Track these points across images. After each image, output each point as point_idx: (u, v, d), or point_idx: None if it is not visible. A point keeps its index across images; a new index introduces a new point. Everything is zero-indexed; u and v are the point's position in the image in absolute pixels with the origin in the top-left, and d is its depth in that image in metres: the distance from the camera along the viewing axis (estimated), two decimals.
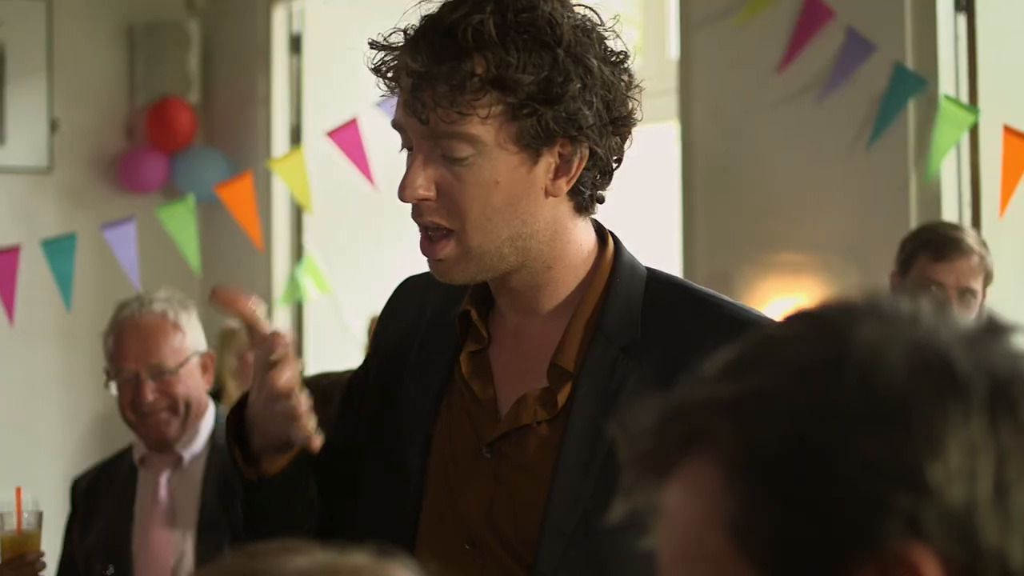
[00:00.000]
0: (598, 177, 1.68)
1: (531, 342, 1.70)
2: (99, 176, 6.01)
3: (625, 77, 1.66)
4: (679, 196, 4.49)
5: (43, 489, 5.59)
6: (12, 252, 4.42)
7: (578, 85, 1.60)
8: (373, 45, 1.64)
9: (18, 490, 2.60)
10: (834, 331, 0.78)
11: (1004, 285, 3.61)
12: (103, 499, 3.15)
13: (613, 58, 1.65)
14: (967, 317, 0.79)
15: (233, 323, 5.29)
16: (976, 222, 3.81)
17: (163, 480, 3.10)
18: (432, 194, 1.62)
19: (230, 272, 5.81)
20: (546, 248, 1.67)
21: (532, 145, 1.61)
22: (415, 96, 1.59)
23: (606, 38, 1.65)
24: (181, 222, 4.70)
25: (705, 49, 4.38)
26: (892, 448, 0.73)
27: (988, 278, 3.45)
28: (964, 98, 3.81)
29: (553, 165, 1.64)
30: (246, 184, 4.87)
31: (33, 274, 4.77)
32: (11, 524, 2.57)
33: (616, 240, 1.75)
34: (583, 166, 1.64)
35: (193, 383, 3.07)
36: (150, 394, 3.01)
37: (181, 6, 6.21)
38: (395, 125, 1.66)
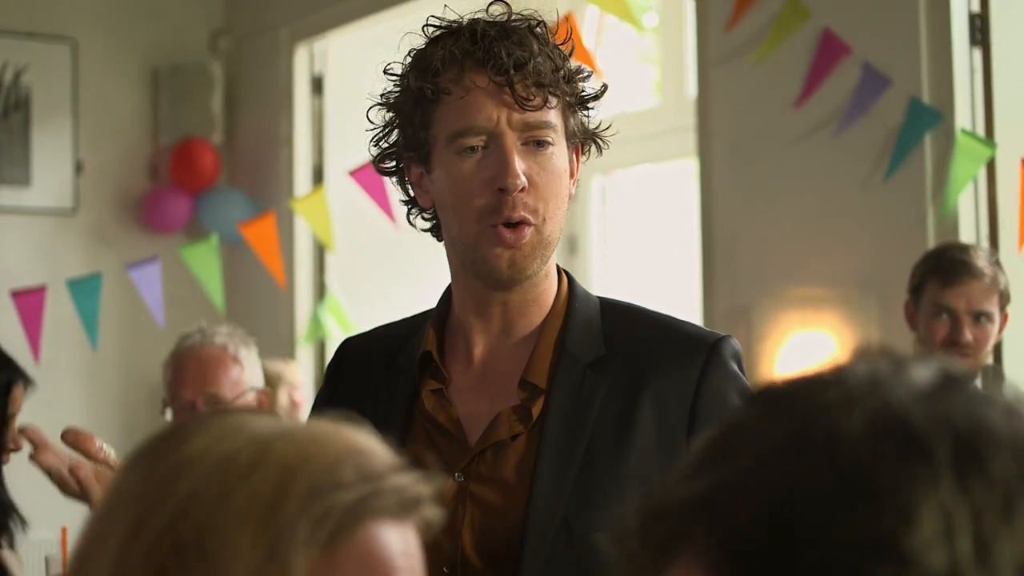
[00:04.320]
0: None
1: (500, 366, 1.80)
2: (123, 216, 6.06)
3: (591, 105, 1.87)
4: (698, 231, 4.51)
5: (69, 530, 5.63)
6: (38, 292, 4.46)
7: (581, 96, 1.81)
8: (431, 42, 1.78)
9: (64, 530, 2.58)
10: (793, 410, 0.77)
11: (1022, 319, 3.61)
12: None
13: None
14: (926, 372, 0.78)
15: (276, 365, 5.33)
16: None
17: None
18: (525, 183, 1.74)
19: (253, 311, 5.85)
20: (552, 253, 1.82)
21: (571, 142, 1.80)
22: (514, 84, 1.72)
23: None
24: (205, 261, 4.74)
25: (723, 86, 4.41)
26: (865, 523, 0.72)
27: (1005, 298, 3.38)
28: (981, 131, 3.82)
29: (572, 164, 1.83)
30: (269, 223, 4.91)
31: (58, 314, 4.81)
32: (57, 568, 2.53)
33: (568, 273, 1.88)
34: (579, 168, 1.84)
35: None
36: None
37: (204, 48, 6.28)
38: (470, 127, 1.74)
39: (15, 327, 4.54)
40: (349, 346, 1.96)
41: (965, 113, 3.82)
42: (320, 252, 5.89)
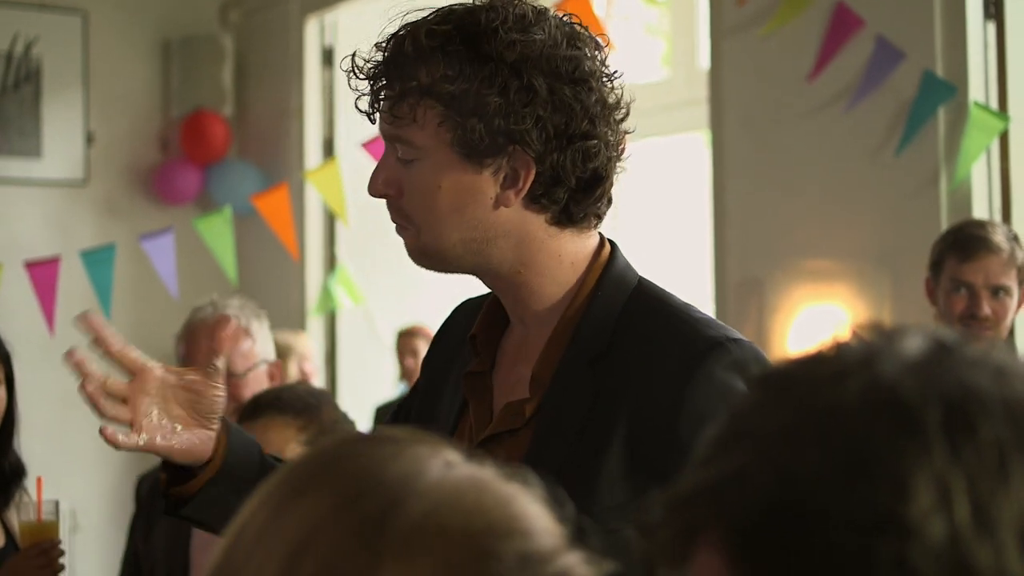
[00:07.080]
0: (570, 192, 1.69)
1: (527, 352, 1.75)
2: (134, 188, 6.07)
3: (585, 96, 1.66)
4: (710, 204, 4.52)
5: (80, 500, 5.66)
6: (52, 263, 4.48)
7: (515, 98, 1.63)
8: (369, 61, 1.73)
9: (39, 480, 2.66)
10: (790, 394, 0.79)
11: None
12: None
13: (576, 74, 1.65)
14: (916, 342, 0.79)
15: (287, 336, 5.35)
16: None
17: None
18: (393, 191, 1.72)
19: (265, 282, 5.87)
20: (510, 254, 1.70)
21: (471, 154, 1.65)
22: (374, 97, 1.70)
23: (575, 57, 1.66)
24: (218, 233, 4.75)
25: (736, 58, 4.41)
26: (864, 500, 0.72)
27: (1023, 272, 3.44)
28: (994, 104, 3.82)
29: (502, 176, 1.67)
30: (282, 195, 4.92)
31: (71, 285, 4.83)
32: (31, 513, 2.64)
33: (613, 250, 1.76)
34: (530, 179, 1.66)
35: (259, 390, 3.11)
36: None
37: (215, 20, 6.27)
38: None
39: (29, 298, 4.56)
40: (460, 308, 1.94)
41: (979, 86, 3.83)
42: (331, 224, 5.90)
